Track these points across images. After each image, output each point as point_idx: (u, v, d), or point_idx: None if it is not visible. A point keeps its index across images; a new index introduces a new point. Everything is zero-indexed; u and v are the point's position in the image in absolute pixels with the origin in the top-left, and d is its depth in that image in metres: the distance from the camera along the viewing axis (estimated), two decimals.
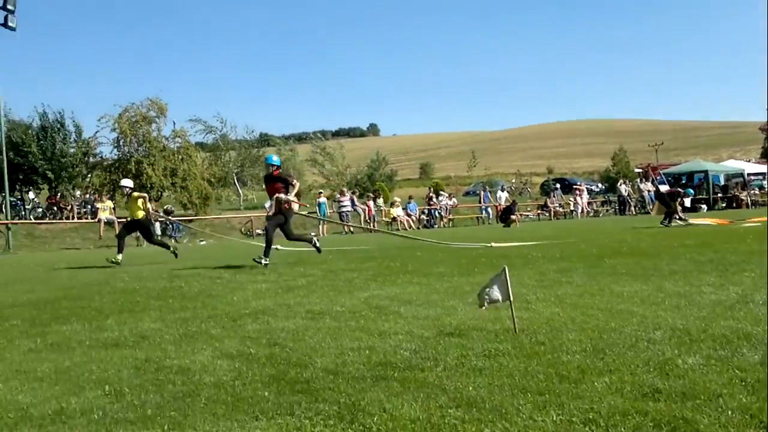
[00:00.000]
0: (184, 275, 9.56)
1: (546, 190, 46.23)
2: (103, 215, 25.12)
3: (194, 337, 4.99)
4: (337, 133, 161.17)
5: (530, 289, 6.58)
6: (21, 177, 32.77)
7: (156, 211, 25.74)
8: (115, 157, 35.06)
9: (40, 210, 30.56)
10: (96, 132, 36.02)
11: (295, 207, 11.36)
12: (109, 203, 26.23)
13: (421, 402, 3.18)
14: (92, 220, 27.34)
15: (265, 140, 59.18)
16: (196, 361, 4.19)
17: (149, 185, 32.11)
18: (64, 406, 3.31)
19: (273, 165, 10.94)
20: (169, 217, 26.27)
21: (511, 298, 4.59)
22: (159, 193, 33.03)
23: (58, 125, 34.79)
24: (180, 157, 34.41)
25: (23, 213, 29.82)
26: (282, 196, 10.59)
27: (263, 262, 10.28)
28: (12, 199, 28.89)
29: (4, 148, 27.75)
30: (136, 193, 13.14)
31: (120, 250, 12.76)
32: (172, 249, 13.30)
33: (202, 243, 24.85)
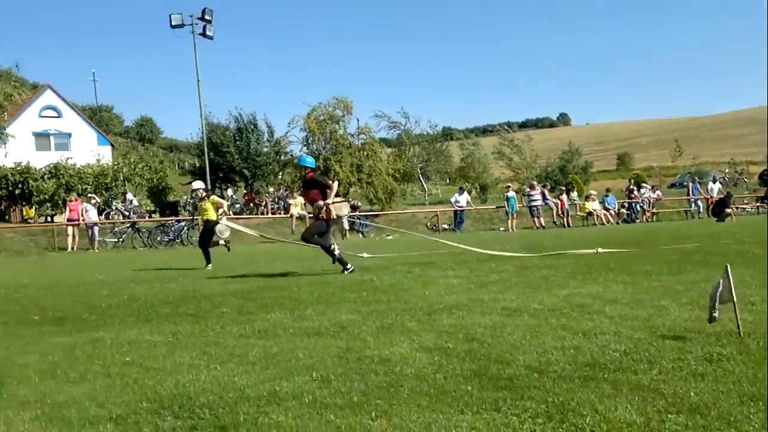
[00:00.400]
0: (374, 269, 9.95)
1: (766, 180, 42.11)
2: (295, 210, 26.85)
3: (391, 329, 5.18)
4: (524, 125, 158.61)
5: (753, 289, 6.06)
6: (221, 175, 36.04)
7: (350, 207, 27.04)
8: None
9: (238, 206, 33.38)
10: (287, 132, 38.64)
11: (344, 210, 10.62)
12: (300, 199, 27.92)
13: (637, 405, 3.07)
14: (285, 215, 29.34)
15: (447, 134, 59.80)
16: (395, 352, 4.36)
17: (337, 181, 33.77)
18: (276, 389, 3.61)
19: (306, 167, 10.31)
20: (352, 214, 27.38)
21: (735, 299, 4.27)
22: (346, 189, 34.64)
23: (252, 126, 37.78)
24: (365, 153, 35.84)
25: None
26: (320, 203, 9.89)
27: (348, 269, 9.68)
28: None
29: (206, 149, 30.64)
30: (215, 198, 13.56)
31: (221, 243, 13.27)
32: (208, 265, 12.64)
33: (388, 237, 25.68)
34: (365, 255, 12.88)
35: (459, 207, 28.47)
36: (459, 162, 49.91)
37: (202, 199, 13.39)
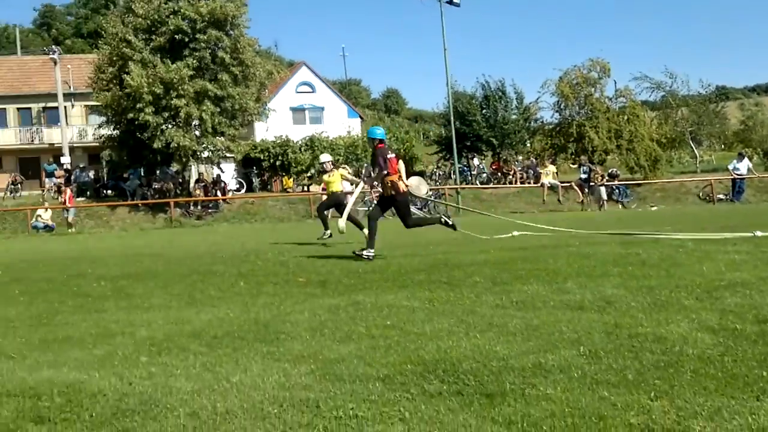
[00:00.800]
0: (639, 242, 9.49)
1: None
2: (546, 179, 26.44)
3: (665, 306, 4.91)
4: None
5: None
6: (467, 144, 36.63)
7: (602, 176, 26.11)
8: (556, 121, 36.59)
9: (484, 175, 33.74)
10: (537, 98, 38.09)
11: (423, 190, 10.39)
12: (552, 168, 27.49)
13: None
14: (535, 185, 29.07)
15: (722, 94, 54.78)
16: (672, 331, 4.12)
17: (591, 148, 32.70)
18: (542, 361, 3.60)
19: (374, 139, 9.76)
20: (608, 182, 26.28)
21: None
22: (602, 156, 33.40)
23: (500, 93, 37.78)
24: (625, 117, 34.20)
25: (469, 178, 33.31)
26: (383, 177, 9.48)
27: (365, 254, 9.14)
28: (459, 165, 32.49)
29: (452, 118, 31.29)
30: (344, 173, 13.37)
31: (326, 227, 13.07)
32: (326, 232, 12.94)
33: (653, 208, 24.39)
34: (515, 233, 12.18)
35: (738, 175, 26.06)
36: (737, 125, 45.57)
37: (327, 171, 13.48)
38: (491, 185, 32.32)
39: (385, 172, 9.45)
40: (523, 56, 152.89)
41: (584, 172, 26.25)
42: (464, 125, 36.34)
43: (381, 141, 9.67)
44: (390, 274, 7.57)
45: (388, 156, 9.51)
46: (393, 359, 3.81)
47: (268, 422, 2.93)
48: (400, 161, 9.81)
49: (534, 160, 34.50)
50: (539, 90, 36.77)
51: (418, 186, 10.55)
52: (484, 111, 37.81)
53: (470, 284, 6.48)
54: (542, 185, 26.63)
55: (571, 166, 32.84)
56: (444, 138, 38.45)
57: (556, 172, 28.06)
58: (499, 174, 33.80)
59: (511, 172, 33.07)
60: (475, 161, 36.35)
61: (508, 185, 31.97)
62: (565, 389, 3.13)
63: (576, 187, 25.95)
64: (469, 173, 34.19)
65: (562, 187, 26.31)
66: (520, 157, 36.85)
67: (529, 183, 31.16)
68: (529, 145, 38.93)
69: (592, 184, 25.85)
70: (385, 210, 9.95)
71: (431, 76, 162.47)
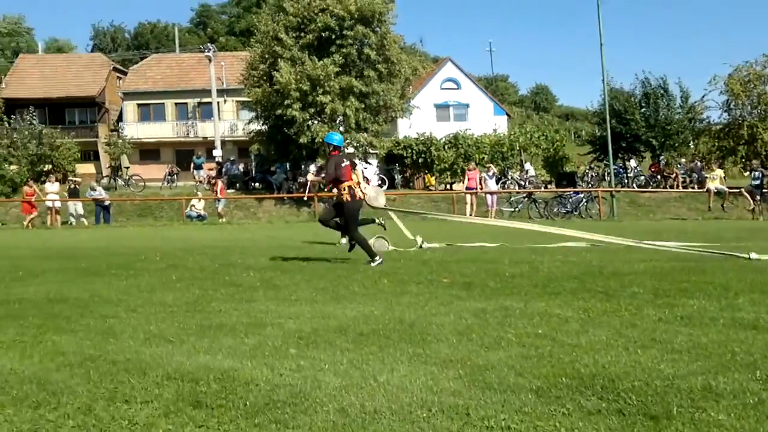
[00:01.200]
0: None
1: None
2: (712, 185, 24.96)
3: None
4: None
5: None
6: (623, 145, 35.26)
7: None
8: (724, 121, 34.55)
9: (642, 178, 32.36)
10: (703, 96, 36.04)
11: (381, 201, 10.78)
12: (719, 172, 25.92)
13: None
14: (699, 190, 27.56)
15: None
16: None
17: (764, 152, 30.65)
18: (712, 384, 3.38)
19: (330, 144, 9.97)
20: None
21: None
22: None
23: (662, 91, 36.07)
24: None
25: (625, 181, 32.09)
26: (310, 177, 9.10)
27: (373, 263, 9.27)
28: (614, 166, 31.35)
29: (608, 116, 30.27)
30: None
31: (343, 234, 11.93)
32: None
33: None
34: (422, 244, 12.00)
35: None
36: None
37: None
38: (650, 189, 30.97)
39: (334, 177, 9.65)
40: (686, 51, 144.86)
41: (756, 178, 24.53)
42: (621, 124, 35.02)
43: (336, 148, 9.95)
44: (539, 279, 7.41)
45: (343, 164, 9.71)
46: (546, 371, 3.72)
47: (416, 426, 2.94)
48: (357, 169, 10.43)
49: (699, 163, 32.71)
50: (706, 87, 34.86)
51: (375, 197, 10.83)
52: (643, 110, 36.29)
53: (629, 295, 6.23)
54: (708, 191, 25.15)
55: (742, 171, 30.89)
56: (598, 138, 37.21)
57: (724, 177, 26.45)
58: (659, 177, 32.29)
59: (673, 176, 31.48)
60: (632, 163, 34.94)
61: (668, 189, 30.49)
62: (739, 416, 2.94)
63: (746, 194, 24.31)
64: (624, 175, 32.92)
65: (730, 193, 24.75)
66: (683, 160, 35.04)
67: (693, 188, 29.57)
68: (693, 147, 36.98)
69: (764, 190, 24.13)
70: (338, 214, 10.04)
71: (585, 73, 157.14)
